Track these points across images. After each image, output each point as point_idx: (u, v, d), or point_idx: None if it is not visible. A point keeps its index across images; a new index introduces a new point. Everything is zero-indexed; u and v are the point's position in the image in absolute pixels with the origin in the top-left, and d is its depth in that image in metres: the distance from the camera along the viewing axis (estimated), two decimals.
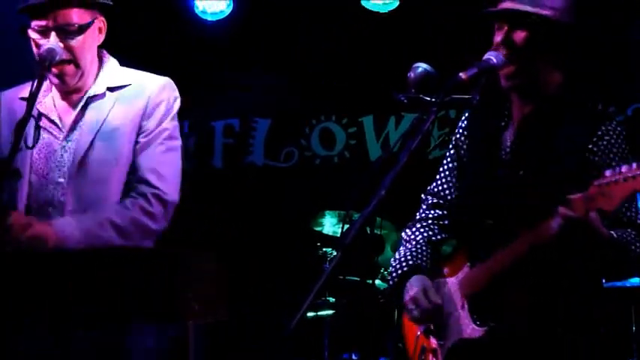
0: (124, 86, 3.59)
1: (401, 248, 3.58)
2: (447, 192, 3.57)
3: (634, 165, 2.90)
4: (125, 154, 3.51)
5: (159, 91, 3.59)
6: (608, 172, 2.92)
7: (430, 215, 3.60)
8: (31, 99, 3.22)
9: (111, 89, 3.58)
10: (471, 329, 3.27)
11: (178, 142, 3.64)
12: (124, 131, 3.52)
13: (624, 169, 2.90)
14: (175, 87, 3.65)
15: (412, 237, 3.58)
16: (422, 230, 3.59)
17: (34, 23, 3.45)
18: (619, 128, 3.25)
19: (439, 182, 3.59)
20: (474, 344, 3.26)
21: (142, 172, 3.51)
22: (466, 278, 3.35)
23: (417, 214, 3.63)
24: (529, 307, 3.23)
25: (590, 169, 3.03)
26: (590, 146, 3.20)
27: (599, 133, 3.22)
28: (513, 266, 3.15)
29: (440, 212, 3.59)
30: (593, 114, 3.30)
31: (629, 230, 3.15)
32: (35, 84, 3.27)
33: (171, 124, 3.59)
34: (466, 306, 3.31)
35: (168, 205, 3.52)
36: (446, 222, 3.57)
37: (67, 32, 3.44)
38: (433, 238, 3.56)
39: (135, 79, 3.62)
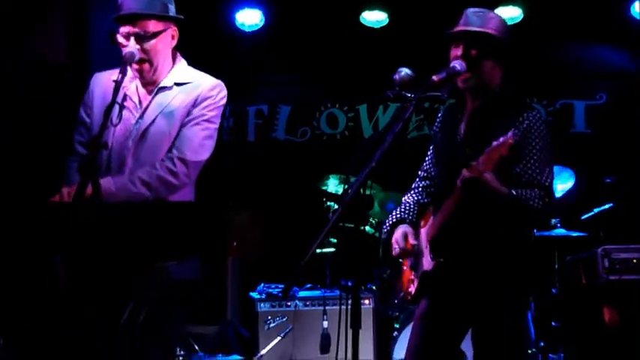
0: (187, 83, 3.58)
1: (397, 207, 3.63)
2: (431, 169, 3.63)
3: (506, 135, 2.90)
4: (175, 129, 3.49)
5: (210, 89, 3.57)
6: (494, 142, 2.94)
7: (420, 185, 3.66)
8: (116, 88, 3.25)
9: (177, 84, 3.57)
10: (428, 263, 3.34)
11: (213, 126, 3.56)
12: (178, 113, 3.51)
13: (502, 138, 2.91)
14: (224, 87, 3.62)
15: (406, 199, 3.65)
16: (413, 195, 3.65)
17: (121, 29, 3.46)
18: (538, 115, 3.28)
19: (426, 161, 3.66)
20: (430, 274, 3.33)
21: (177, 141, 3.48)
22: (429, 226, 3.41)
23: (413, 183, 3.69)
24: (465, 247, 3.29)
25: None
26: (513, 128, 3.21)
27: (521, 119, 3.24)
28: (450, 217, 3.20)
29: (426, 183, 3.64)
30: (521, 105, 3.33)
31: (535, 190, 3.14)
32: (120, 76, 3.29)
33: (210, 113, 3.54)
34: (428, 247, 3.37)
35: (190, 166, 3.45)
36: (432, 190, 3.62)
37: (143, 38, 3.44)
38: (421, 200, 3.62)
39: (196, 78, 3.61)
